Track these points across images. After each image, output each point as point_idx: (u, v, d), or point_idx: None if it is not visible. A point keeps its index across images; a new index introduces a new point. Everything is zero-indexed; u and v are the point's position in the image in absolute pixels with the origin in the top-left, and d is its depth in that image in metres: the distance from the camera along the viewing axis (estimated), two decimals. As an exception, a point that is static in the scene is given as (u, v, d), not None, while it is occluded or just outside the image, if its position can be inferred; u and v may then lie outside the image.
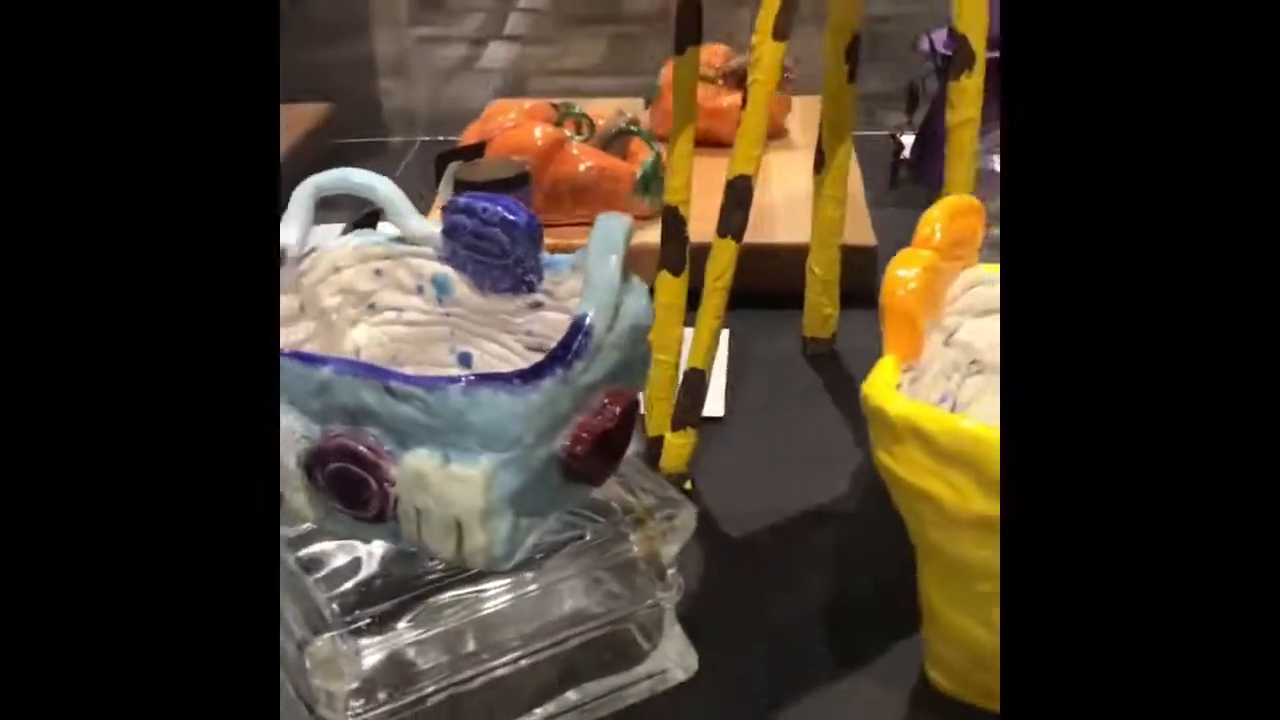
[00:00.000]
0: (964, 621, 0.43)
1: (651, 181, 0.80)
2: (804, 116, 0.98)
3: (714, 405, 0.66)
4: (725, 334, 0.74)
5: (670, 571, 0.47)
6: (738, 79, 0.91)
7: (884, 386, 0.42)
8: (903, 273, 0.44)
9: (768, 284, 0.75)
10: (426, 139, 1.11)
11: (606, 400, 0.43)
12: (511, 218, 0.47)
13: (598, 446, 0.42)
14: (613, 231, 0.43)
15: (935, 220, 0.47)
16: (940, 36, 0.90)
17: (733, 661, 0.49)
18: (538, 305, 0.48)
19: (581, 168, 0.79)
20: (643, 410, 0.62)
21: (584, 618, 0.46)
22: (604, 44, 1.16)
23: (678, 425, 0.57)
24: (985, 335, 0.50)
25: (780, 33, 0.51)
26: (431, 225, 0.49)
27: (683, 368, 0.58)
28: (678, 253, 0.58)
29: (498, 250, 0.47)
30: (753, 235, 0.76)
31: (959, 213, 0.48)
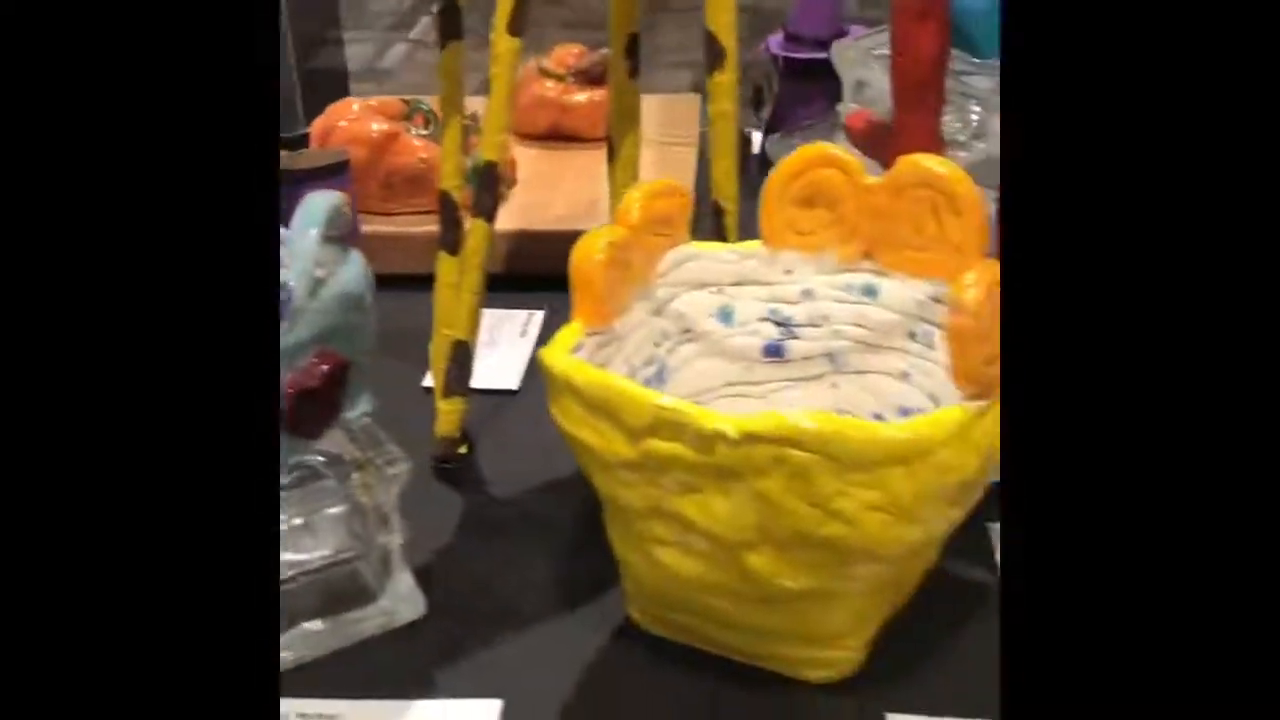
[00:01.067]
0: (632, 557, 0.48)
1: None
2: (659, 111, 1.02)
3: (509, 378, 0.71)
4: (540, 315, 0.78)
5: (393, 517, 0.52)
6: (588, 77, 0.96)
7: (558, 347, 0.47)
8: (587, 246, 0.49)
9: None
10: (306, 132, 1.16)
11: (315, 360, 0.47)
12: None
13: (303, 401, 0.47)
14: (314, 207, 0.48)
15: (634, 200, 0.51)
16: (777, 40, 0.95)
17: (461, 607, 0.54)
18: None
19: (416, 159, 0.83)
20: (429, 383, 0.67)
21: (313, 558, 0.51)
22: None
23: (446, 393, 0.62)
24: (697, 306, 0.55)
25: (515, 28, 0.56)
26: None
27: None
28: (452, 235, 0.63)
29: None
30: (571, 222, 0.81)
31: (659, 194, 0.52)
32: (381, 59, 1.28)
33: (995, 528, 0.57)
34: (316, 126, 0.85)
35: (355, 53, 1.25)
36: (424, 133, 0.87)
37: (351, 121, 0.84)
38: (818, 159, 0.53)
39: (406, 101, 0.90)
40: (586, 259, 0.49)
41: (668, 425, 0.42)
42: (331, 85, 1.16)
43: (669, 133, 0.97)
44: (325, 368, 0.48)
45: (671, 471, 0.43)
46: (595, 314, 0.49)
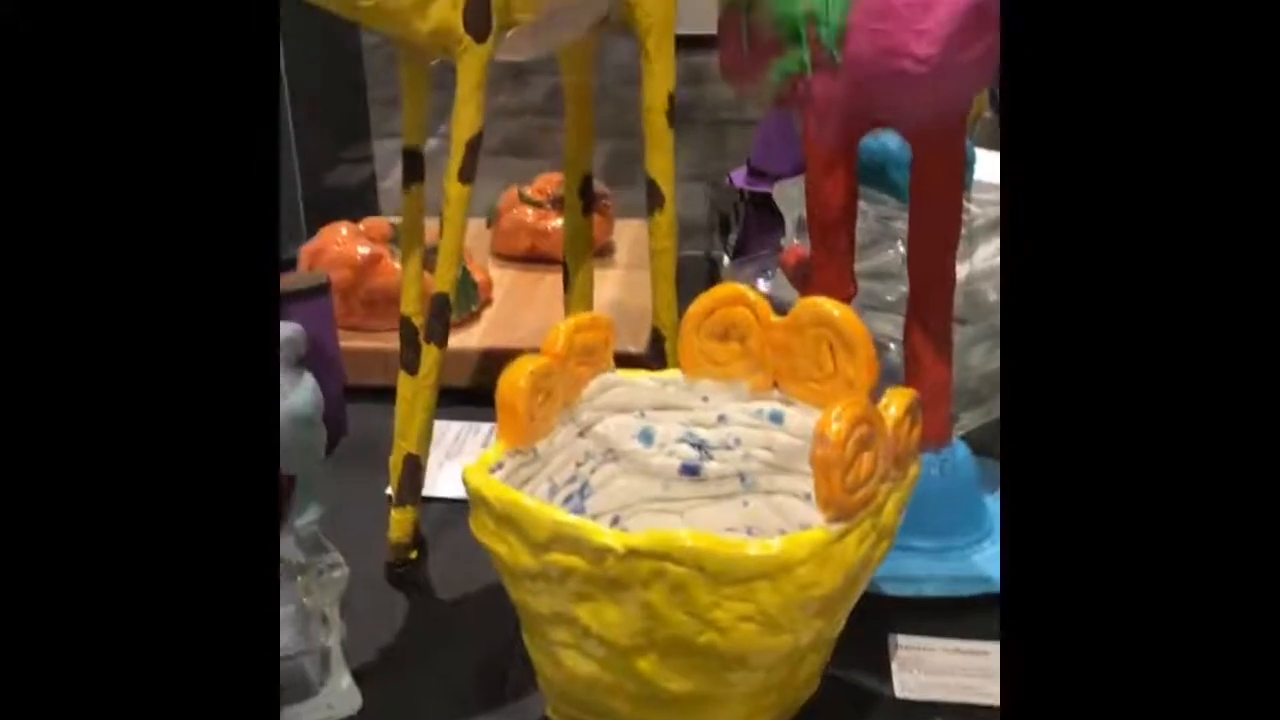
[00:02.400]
0: (541, 659, 0.53)
1: (458, 294, 0.91)
2: (631, 237, 1.09)
3: (459, 488, 0.76)
4: (488, 426, 0.84)
5: (333, 618, 0.57)
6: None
7: (479, 466, 0.52)
8: (513, 374, 0.55)
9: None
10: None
11: (265, 474, 0.53)
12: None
13: (252, 510, 0.52)
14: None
15: (559, 332, 0.57)
16: (740, 175, 1.02)
17: (397, 704, 0.58)
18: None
19: (395, 280, 0.90)
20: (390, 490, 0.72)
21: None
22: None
23: (398, 502, 0.67)
24: (620, 428, 0.60)
25: (464, 177, 0.63)
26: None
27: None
28: (411, 356, 0.68)
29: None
30: (537, 341, 0.87)
31: (584, 326, 0.58)
32: (386, 178, 1.36)
33: (897, 638, 0.61)
34: (307, 250, 0.92)
35: (356, 171, 1.33)
36: (407, 255, 0.93)
37: (340, 245, 0.91)
38: (729, 298, 0.59)
39: (393, 224, 0.97)
40: (511, 386, 0.54)
41: (565, 539, 0.47)
42: (336, 203, 1.24)
43: (637, 258, 1.04)
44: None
45: (569, 581, 0.48)
46: (517, 436, 0.54)
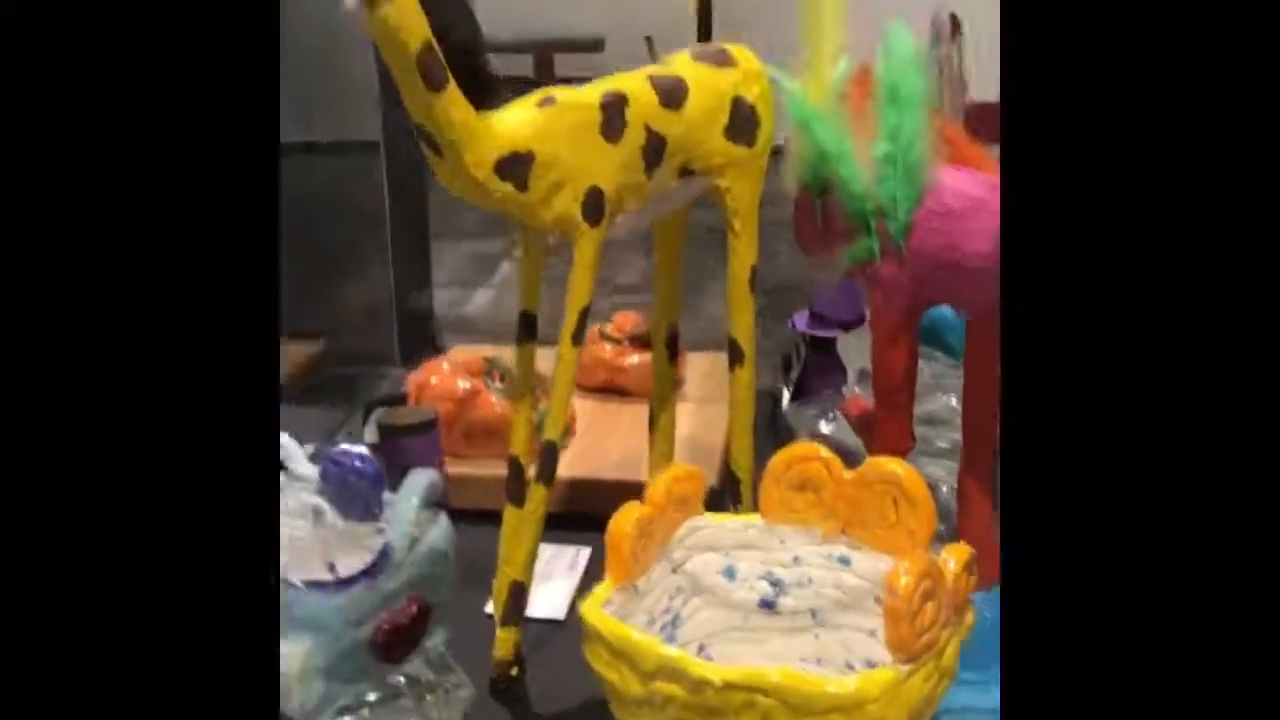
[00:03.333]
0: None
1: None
2: (703, 369, 1.18)
3: (556, 608, 0.85)
4: (587, 551, 0.92)
5: (456, 731, 0.65)
6: (641, 341, 1.13)
7: (593, 602, 0.61)
8: (620, 521, 0.63)
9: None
10: (403, 372, 1.34)
11: (407, 602, 0.62)
12: (359, 466, 0.67)
13: (395, 635, 0.61)
14: (416, 484, 0.63)
15: (660, 484, 0.66)
16: (803, 318, 1.11)
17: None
18: (380, 530, 0.68)
19: (493, 414, 0.99)
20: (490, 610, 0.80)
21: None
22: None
23: (503, 623, 0.76)
24: (706, 566, 0.68)
25: (576, 340, 0.72)
26: (313, 467, 0.69)
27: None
28: (518, 490, 0.77)
29: (353, 490, 0.67)
30: (619, 472, 0.96)
31: (681, 478, 0.67)
32: (466, 304, 1.47)
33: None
34: (413, 382, 1.02)
35: (442, 297, 1.44)
36: (499, 387, 1.03)
37: (441, 379, 1.00)
38: (806, 455, 0.67)
39: (487, 359, 1.07)
40: (619, 531, 0.63)
41: (669, 671, 0.55)
42: (420, 328, 1.35)
43: (708, 391, 1.13)
44: (414, 609, 0.62)
45: (670, 707, 0.56)
46: (623, 575, 0.63)
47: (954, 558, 0.59)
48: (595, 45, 4.55)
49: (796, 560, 0.68)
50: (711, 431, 1.03)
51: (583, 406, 1.09)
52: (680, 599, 0.67)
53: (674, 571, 0.67)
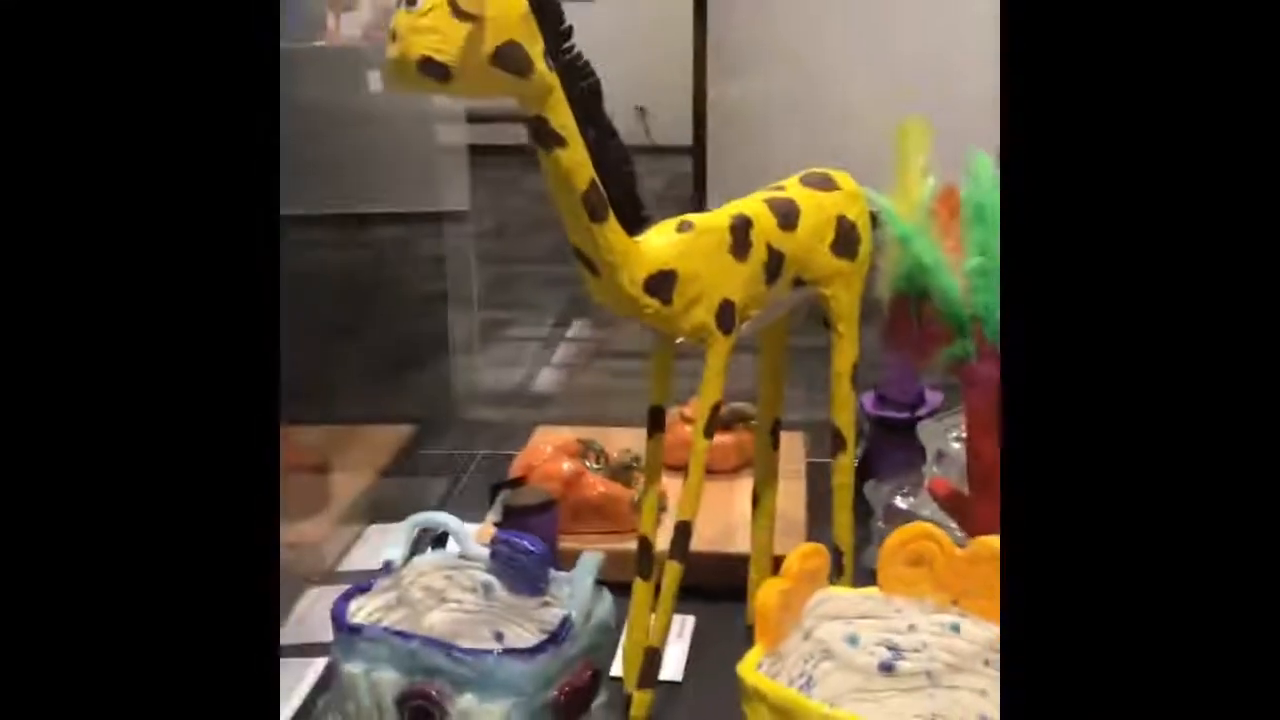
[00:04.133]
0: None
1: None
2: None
3: (673, 671, 0.93)
4: (692, 620, 1.01)
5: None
6: (723, 423, 1.22)
7: (748, 664, 0.70)
8: (767, 592, 0.72)
9: (728, 581, 1.02)
10: (487, 452, 1.43)
11: (582, 666, 0.70)
12: (532, 549, 0.76)
13: (574, 697, 0.70)
14: (588, 565, 0.72)
15: (794, 560, 0.75)
16: (870, 399, 1.21)
17: None
18: (547, 604, 0.77)
19: (596, 493, 1.08)
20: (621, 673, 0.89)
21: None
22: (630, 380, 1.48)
23: (641, 685, 0.84)
24: (833, 633, 0.77)
25: (709, 433, 0.82)
26: (482, 548, 0.78)
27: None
28: (646, 565, 0.86)
29: (522, 569, 0.76)
30: (714, 545, 1.05)
31: (810, 555, 0.76)
32: (533, 382, 1.57)
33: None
34: (519, 465, 1.11)
35: (504, 376, 1.54)
36: (597, 468, 1.12)
37: (545, 462, 1.10)
38: (920, 534, 0.77)
39: (582, 441, 1.16)
40: (767, 603, 0.72)
41: (829, 726, 0.64)
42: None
43: (785, 466, 1.22)
44: (589, 674, 0.71)
45: (829, 758, 0.65)
46: (771, 640, 0.72)
47: (1066, 624, 0.68)
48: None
49: (912, 628, 0.77)
50: (792, 505, 1.12)
51: (671, 485, 1.18)
52: (812, 663, 0.76)
53: (806, 639, 0.76)
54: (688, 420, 1.24)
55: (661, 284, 0.77)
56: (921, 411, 1.17)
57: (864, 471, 1.21)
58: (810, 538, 1.10)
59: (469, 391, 1.50)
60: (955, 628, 0.76)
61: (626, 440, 1.24)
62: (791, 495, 1.16)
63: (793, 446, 1.26)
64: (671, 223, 0.80)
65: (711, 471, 1.21)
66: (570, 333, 1.70)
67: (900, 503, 1.07)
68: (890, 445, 1.18)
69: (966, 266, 0.80)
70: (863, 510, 1.17)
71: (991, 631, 0.74)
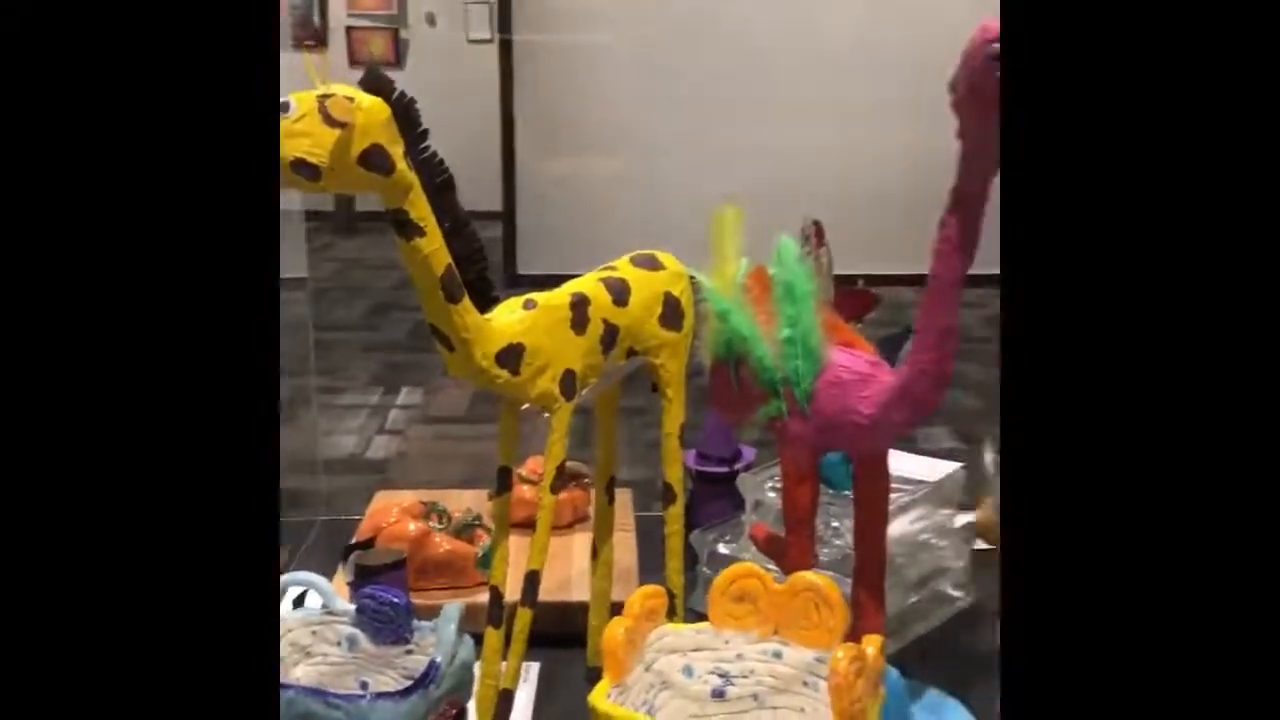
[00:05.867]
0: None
1: (489, 558, 1.17)
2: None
3: (522, 713, 1.00)
4: (535, 665, 1.08)
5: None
6: (561, 482, 1.30)
7: (598, 694, 0.78)
8: (611, 631, 0.81)
9: (568, 629, 1.10)
10: (326, 518, 1.47)
11: (447, 706, 0.77)
12: (396, 601, 0.82)
13: (441, 733, 0.76)
14: (450, 614, 0.79)
15: (635, 601, 0.84)
16: (692, 456, 1.32)
17: None
18: (409, 652, 0.83)
19: (441, 551, 1.15)
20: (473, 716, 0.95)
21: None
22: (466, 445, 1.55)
23: (494, 726, 0.91)
24: (670, 665, 0.86)
25: (555, 490, 0.90)
26: (346, 603, 0.84)
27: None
28: (498, 614, 0.94)
29: (389, 619, 0.83)
30: (554, 595, 1.13)
31: (650, 595, 0.85)
32: (367, 449, 1.62)
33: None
34: (366, 527, 1.17)
35: (339, 443, 1.58)
36: (441, 527, 1.19)
37: (392, 524, 1.16)
38: (744, 573, 0.87)
39: (424, 503, 1.22)
40: (614, 640, 0.80)
41: (673, 743, 0.73)
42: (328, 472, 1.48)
43: (617, 520, 1.31)
44: (454, 712, 0.78)
45: (674, 771, 0.73)
46: (617, 672, 0.80)
47: (871, 645, 0.79)
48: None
49: (740, 657, 0.87)
50: (627, 555, 1.22)
51: (514, 542, 1.26)
52: (653, 692, 0.85)
53: (647, 670, 0.85)
54: (525, 480, 1.32)
55: (510, 357, 0.85)
56: (739, 466, 1.29)
57: (689, 522, 1.32)
58: (642, 583, 1.19)
59: (305, 459, 1.53)
60: (778, 654, 0.86)
61: (465, 501, 1.31)
62: (624, 546, 1.25)
63: (623, 501, 1.35)
64: (517, 301, 0.88)
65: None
66: (399, 400, 1.76)
67: (723, 548, 1.18)
68: (712, 497, 1.29)
69: (779, 336, 0.92)
70: (689, 557, 1.27)
71: (809, 655, 0.85)
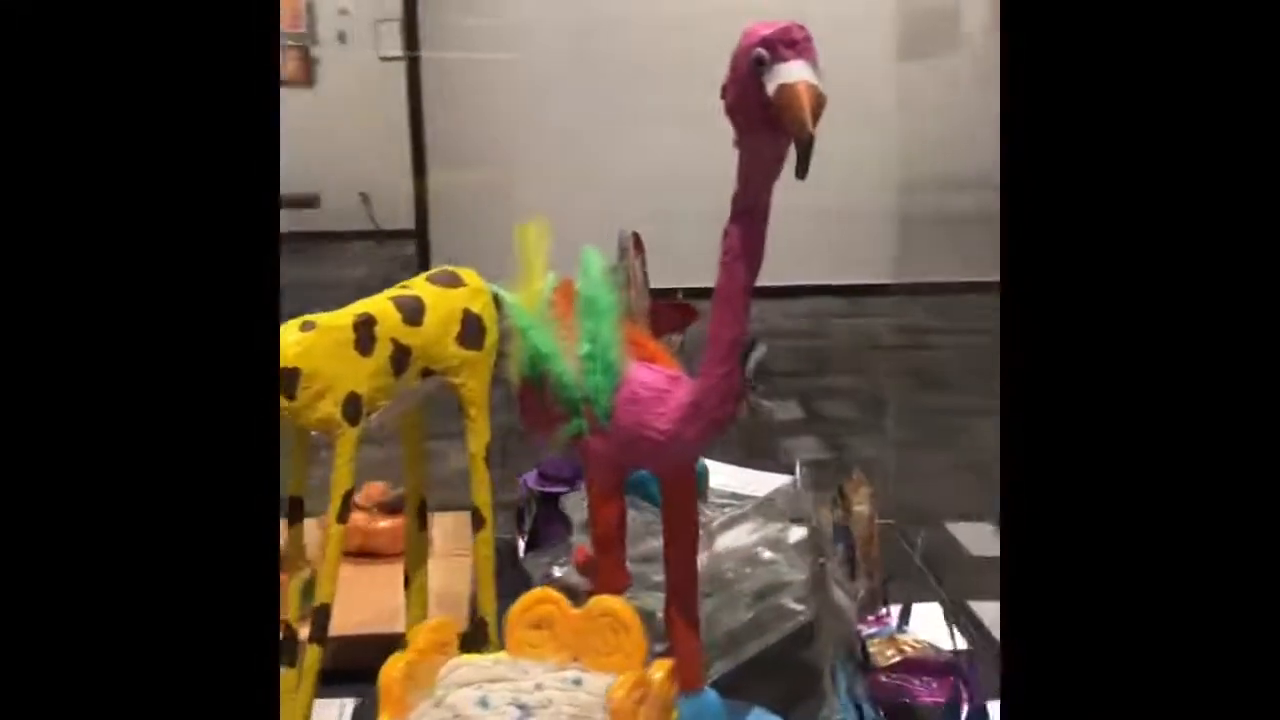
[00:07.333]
0: None
1: (309, 593, 1.12)
2: (448, 527, 1.32)
3: (330, 755, 0.96)
4: (352, 703, 1.04)
5: None
6: (389, 508, 1.26)
7: (372, 736, 0.74)
8: (390, 667, 0.77)
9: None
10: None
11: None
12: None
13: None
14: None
15: (420, 633, 0.80)
16: (533, 476, 1.28)
17: None
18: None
19: (257, 585, 1.10)
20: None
21: None
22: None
23: (289, 770, 0.87)
24: (464, 698, 0.82)
25: (342, 519, 0.86)
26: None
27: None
28: (292, 652, 0.89)
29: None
30: (376, 627, 1.08)
31: (437, 628, 0.81)
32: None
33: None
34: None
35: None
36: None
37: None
38: (541, 599, 0.83)
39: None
40: (390, 676, 0.76)
41: (442, 784, 0.69)
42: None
43: (454, 546, 1.27)
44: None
45: (445, 815, 0.69)
46: (395, 711, 0.76)
47: (659, 670, 0.76)
48: (310, 202, 4.71)
49: (538, 686, 0.83)
50: (458, 582, 1.18)
51: (342, 570, 1.21)
52: (444, 729, 0.81)
53: (437, 706, 0.81)
54: (357, 507, 1.27)
55: (285, 382, 0.81)
56: (580, 484, 1.25)
57: (531, 544, 1.28)
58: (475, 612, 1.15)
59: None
60: (577, 681, 0.82)
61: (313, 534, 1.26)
62: (457, 572, 1.21)
63: (459, 526, 1.31)
64: (295, 323, 0.84)
65: (382, 555, 1.25)
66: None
67: (557, 571, 1.14)
68: (553, 517, 1.25)
69: (579, 352, 0.89)
70: (522, 581, 1.23)
71: (610, 681, 0.81)
